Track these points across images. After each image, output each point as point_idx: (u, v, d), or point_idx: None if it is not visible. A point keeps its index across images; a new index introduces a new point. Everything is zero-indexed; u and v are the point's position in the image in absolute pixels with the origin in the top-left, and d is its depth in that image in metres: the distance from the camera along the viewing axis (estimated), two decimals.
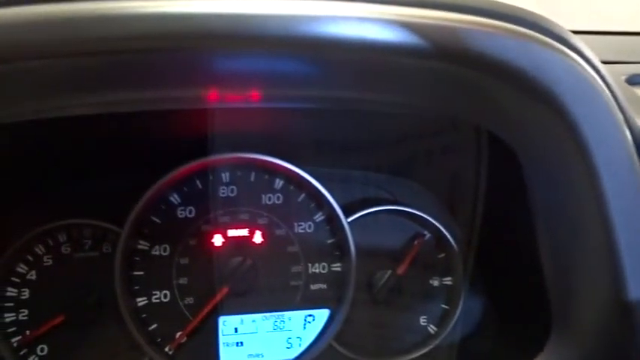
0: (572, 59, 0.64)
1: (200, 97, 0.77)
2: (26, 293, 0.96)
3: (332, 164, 1.04)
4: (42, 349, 0.96)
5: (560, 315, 0.80)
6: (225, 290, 0.99)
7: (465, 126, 0.91)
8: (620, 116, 0.65)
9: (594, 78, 0.64)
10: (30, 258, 0.97)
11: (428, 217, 1.05)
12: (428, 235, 1.06)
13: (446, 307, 1.06)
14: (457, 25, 0.62)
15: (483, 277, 1.06)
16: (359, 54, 0.65)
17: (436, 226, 1.05)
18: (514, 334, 1.01)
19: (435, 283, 1.06)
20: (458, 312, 1.05)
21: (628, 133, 0.66)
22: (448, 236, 1.05)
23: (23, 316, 0.96)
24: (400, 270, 1.03)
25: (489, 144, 0.90)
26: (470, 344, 1.04)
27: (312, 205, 1.03)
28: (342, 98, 0.78)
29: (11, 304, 0.96)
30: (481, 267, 1.06)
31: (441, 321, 1.06)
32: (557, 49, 0.64)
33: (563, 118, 0.64)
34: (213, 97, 0.77)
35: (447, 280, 1.06)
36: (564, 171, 0.68)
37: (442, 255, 1.06)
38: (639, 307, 0.64)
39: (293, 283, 1.03)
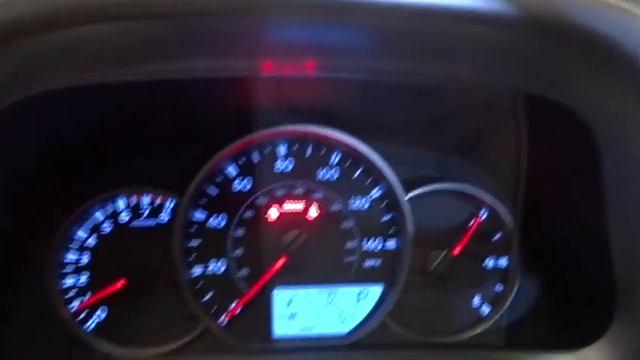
0: None
1: (255, 67, 0.76)
2: (86, 259, 0.98)
3: (389, 141, 1.03)
4: (100, 314, 0.98)
5: (627, 300, 0.79)
6: (279, 263, 0.99)
7: (527, 104, 0.88)
8: None
9: None
10: (90, 225, 0.98)
11: (486, 197, 1.03)
12: (485, 215, 1.04)
13: (500, 288, 1.05)
14: None
15: (539, 259, 1.04)
16: (432, 21, 0.63)
17: (492, 206, 1.03)
18: (569, 318, 1.00)
19: (490, 263, 1.05)
20: (512, 294, 1.03)
21: None
22: (504, 216, 1.03)
23: (82, 281, 0.98)
24: (456, 250, 1.02)
25: (553, 125, 0.88)
26: (522, 327, 1.03)
27: (369, 180, 1.02)
28: (399, 70, 0.76)
29: (71, 270, 0.97)
30: (538, 249, 1.04)
31: (495, 302, 1.05)
32: None
33: None
34: (267, 66, 0.76)
35: (502, 262, 1.05)
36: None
37: (498, 235, 1.05)
38: None
39: (347, 258, 1.02)
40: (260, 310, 1.01)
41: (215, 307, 1.00)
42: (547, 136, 0.90)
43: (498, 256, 1.05)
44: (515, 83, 0.79)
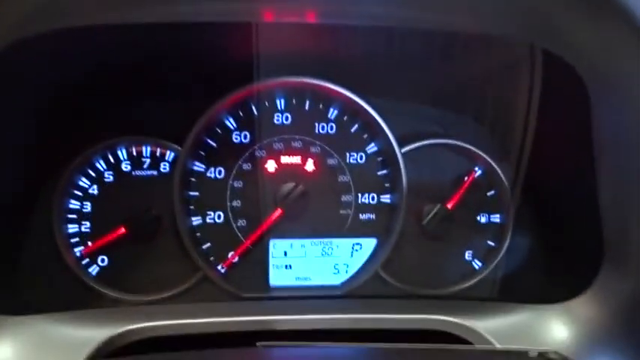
0: None
1: (255, 11, 0.77)
2: (88, 206, 1.01)
3: (388, 95, 1.04)
4: (102, 260, 1.01)
5: (613, 253, 0.80)
6: (276, 214, 1.02)
7: (520, 58, 0.89)
8: None
9: None
10: (92, 173, 1.00)
11: (480, 152, 1.04)
12: (479, 171, 1.06)
13: (492, 243, 1.07)
14: None
15: (531, 214, 1.06)
16: None
17: (488, 162, 1.05)
18: (559, 272, 1.02)
19: (483, 219, 1.07)
20: (504, 249, 1.05)
21: None
22: (499, 172, 1.04)
23: (85, 228, 1.01)
24: (449, 204, 1.04)
25: (550, 84, 0.88)
26: (514, 279, 1.06)
27: (366, 135, 1.03)
28: (399, 16, 0.76)
29: (74, 216, 1.00)
30: (531, 205, 1.06)
31: (487, 257, 1.07)
32: None
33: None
34: (269, 12, 0.76)
35: (495, 217, 1.07)
36: (634, 95, 0.67)
37: (492, 192, 1.06)
38: None
39: (342, 211, 1.05)
40: (257, 260, 1.04)
41: (213, 256, 1.03)
42: (544, 90, 0.90)
43: (492, 212, 1.07)
44: (511, 32, 0.79)
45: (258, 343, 0.73)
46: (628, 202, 0.75)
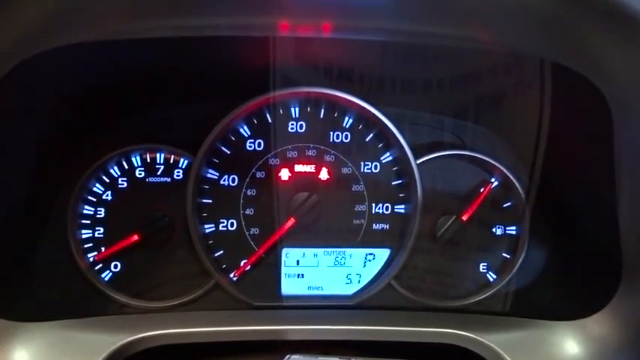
0: None
1: (272, 26, 0.77)
2: (102, 212, 1.01)
3: (402, 105, 1.03)
4: (115, 266, 1.02)
5: (631, 273, 0.79)
6: (290, 223, 1.01)
7: (546, 73, 0.87)
8: None
9: None
10: (106, 179, 1.01)
11: (496, 164, 1.03)
12: (495, 183, 1.04)
13: (507, 256, 1.06)
14: None
15: (548, 228, 1.05)
16: None
17: (504, 174, 1.04)
18: (574, 289, 1.00)
19: (499, 231, 1.05)
20: (519, 262, 1.04)
21: None
22: (516, 184, 1.03)
23: (99, 233, 1.01)
24: (465, 216, 1.03)
25: (570, 94, 0.87)
26: (528, 294, 1.04)
27: (381, 144, 1.03)
28: (415, 32, 0.76)
29: (88, 222, 1.01)
30: (547, 217, 1.04)
31: (501, 269, 1.06)
32: None
33: None
34: (284, 26, 0.76)
35: (511, 229, 1.05)
36: None
37: (508, 203, 1.05)
38: None
39: (356, 221, 1.04)
40: (269, 269, 1.04)
41: (226, 264, 1.03)
42: (563, 105, 0.89)
43: (507, 224, 1.06)
44: (532, 48, 0.78)
45: (287, 356, 0.73)
46: None
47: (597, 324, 0.83)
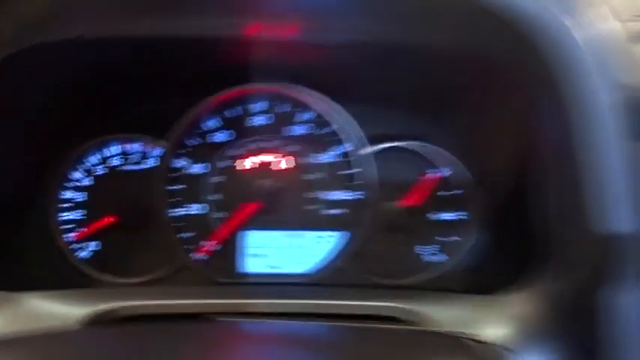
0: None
1: (241, 28, 0.86)
2: (82, 196, 1.11)
3: (359, 100, 1.12)
4: (96, 245, 1.12)
5: (556, 247, 0.87)
6: (253, 208, 1.11)
7: (487, 67, 0.96)
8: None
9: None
10: (86, 166, 1.11)
11: (446, 154, 1.13)
12: (444, 172, 1.14)
13: (458, 238, 1.14)
14: None
15: (492, 213, 1.13)
16: None
17: (456, 163, 1.13)
18: (513, 266, 1.09)
19: (450, 216, 1.15)
20: (468, 244, 1.13)
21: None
22: (463, 173, 1.12)
23: (79, 215, 1.11)
24: (417, 201, 1.12)
25: (506, 88, 0.95)
26: (471, 275, 1.13)
27: (338, 136, 1.13)
28: (380, 32, 0.84)
29: (68, 205, 1.11)
30: (492, 203, 1.13)
31: (451, 251, 1.14)
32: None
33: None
34: (253, 29, 0.86)
35: (462, 215, 1.14)
36: (553, 105, 0.75)
37: (459, 191, 1.14)
38: (621, 238, 0.70)
39: (314, 206, 1.14)
40: (233, 249, 1.13)
41: (194, 245, 1.13)
42: (503, 100, 0.98)
43: (458, 209, 1.14)
44: (474, 49, 0.86)
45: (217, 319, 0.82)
46: (563, 207, 0.82)
47: (514, 299, 0.91)
